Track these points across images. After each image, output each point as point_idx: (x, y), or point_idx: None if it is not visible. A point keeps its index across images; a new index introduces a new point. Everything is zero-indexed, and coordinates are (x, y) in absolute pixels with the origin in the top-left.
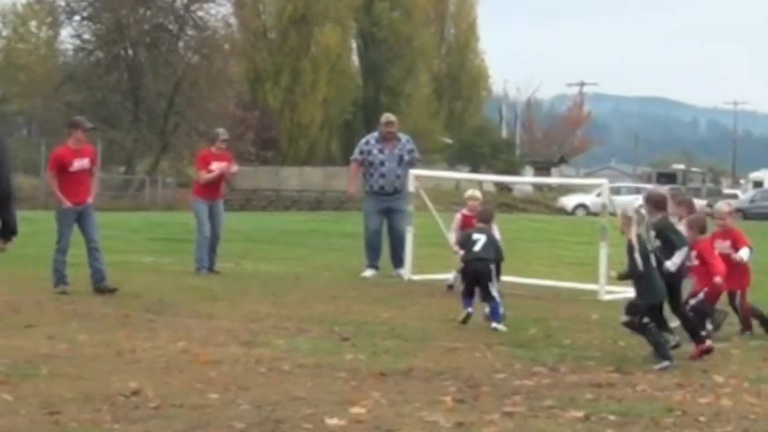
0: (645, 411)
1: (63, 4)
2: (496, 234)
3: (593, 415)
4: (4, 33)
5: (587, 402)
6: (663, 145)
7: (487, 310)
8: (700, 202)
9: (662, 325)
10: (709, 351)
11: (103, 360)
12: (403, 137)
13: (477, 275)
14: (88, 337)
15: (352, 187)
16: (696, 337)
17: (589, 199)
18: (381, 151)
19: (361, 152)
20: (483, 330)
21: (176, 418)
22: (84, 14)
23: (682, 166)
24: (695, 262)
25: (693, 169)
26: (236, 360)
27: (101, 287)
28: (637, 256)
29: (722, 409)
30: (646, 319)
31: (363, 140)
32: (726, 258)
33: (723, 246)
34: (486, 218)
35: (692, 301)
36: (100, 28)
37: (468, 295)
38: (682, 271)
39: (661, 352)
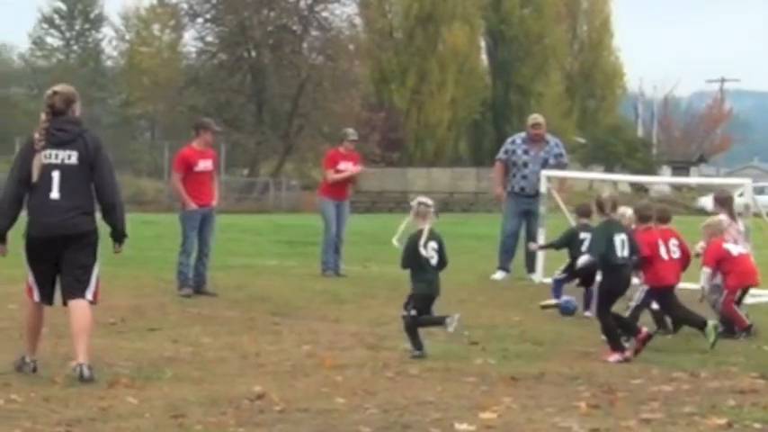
0: None
1: (186, 6)
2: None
3: (735, 422)
4: (128, 37)
5: (730, 409)
6: None
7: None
8: None
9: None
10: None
11: (228, 363)
12: (552, 140)
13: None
14: (212, 341)
15: (499, 188)
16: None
17: None
18: (526, 152)
19: (506, 151)
20: None
21: (302, 423)
22: (207, 17)
23: None
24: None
25: None
26: (362, 364)
27: (201, 291)
28: (412, 247)
29: None
30: (408, 311)
31: (510, 140)
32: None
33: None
34: (585, 212)
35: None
36: (223, 30)
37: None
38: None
39: (415, 343)
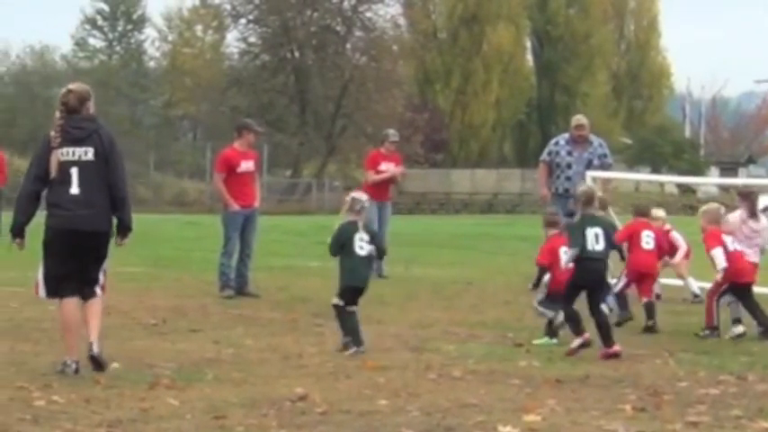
0: None
1: (229, 7)
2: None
3: None
4: (171, 38)
5: None
6: None
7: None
8: None
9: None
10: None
11: (269, 365)
12: (596, 140)
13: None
14: (254, 342)
15: (545, 189)
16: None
17: None
18: (570, 153)
19: (550, 153)
20: (665, 337)
21: (344, 425)
22: (250, 17)
23: None
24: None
25: None
26: (405, 366)
27: (244, 292)
28: (347, 236)
29: None
30: (336, 300)
31: (553, 141)
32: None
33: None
34: (602, 205)
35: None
36: (266, 31)
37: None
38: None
39: (344, 335)
